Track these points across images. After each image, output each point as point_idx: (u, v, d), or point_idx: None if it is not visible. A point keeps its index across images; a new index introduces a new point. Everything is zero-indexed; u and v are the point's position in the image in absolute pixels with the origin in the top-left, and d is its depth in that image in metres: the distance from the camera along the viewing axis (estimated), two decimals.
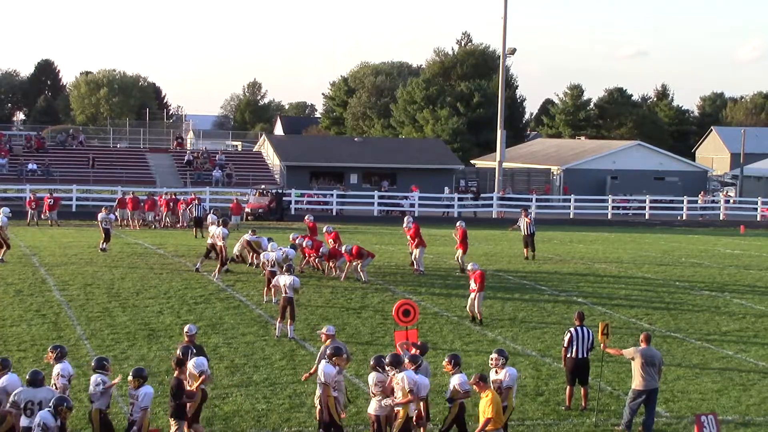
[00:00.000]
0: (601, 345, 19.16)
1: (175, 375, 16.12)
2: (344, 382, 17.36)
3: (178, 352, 17.09)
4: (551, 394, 20.18)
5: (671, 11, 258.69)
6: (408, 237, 36.13)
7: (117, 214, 51.46)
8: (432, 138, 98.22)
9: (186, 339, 18.26)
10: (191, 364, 16.28)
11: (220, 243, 32.46)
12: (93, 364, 16.05)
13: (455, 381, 16.07)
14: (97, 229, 40.75)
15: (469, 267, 27.71)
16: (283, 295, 24.67)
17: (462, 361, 16.70)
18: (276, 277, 25.90)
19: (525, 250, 40.95)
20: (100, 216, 39.65)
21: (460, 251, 35.78)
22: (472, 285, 26.90)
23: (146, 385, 15.32)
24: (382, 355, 16.42)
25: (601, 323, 19.47)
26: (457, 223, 36.94)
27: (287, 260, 29.04)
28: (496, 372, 16.42)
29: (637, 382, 18.04)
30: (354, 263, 32.75)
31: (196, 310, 27.44)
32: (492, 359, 16.49)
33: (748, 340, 26.12)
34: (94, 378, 15.54)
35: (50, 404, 13.86)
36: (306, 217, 38.52)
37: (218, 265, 32.43)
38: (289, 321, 24.51)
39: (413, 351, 17.42)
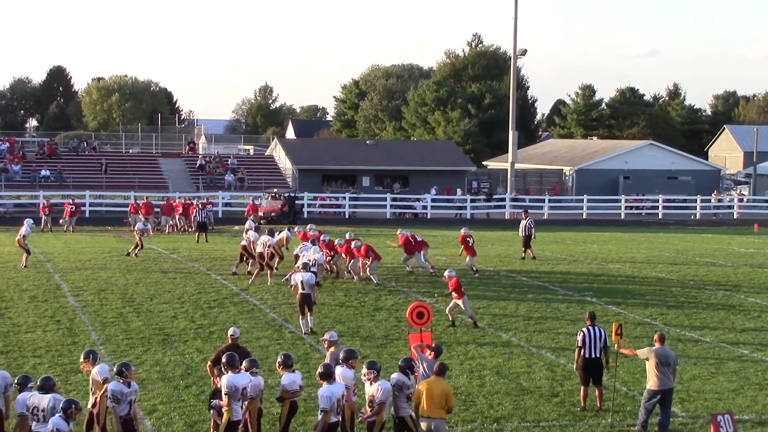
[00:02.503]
0: (615, 345, 19.11)
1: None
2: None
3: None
4: (566, 395, 20.14)
5: (682, 10, 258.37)
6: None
7: (130, 219, 51.68)
8: (444, 140, 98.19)
9: (230, 341, 18.16)
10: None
11: (260, 249, 32.96)
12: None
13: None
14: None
15: (446, 274, 27.65)
16: (301, 291, 25.08)
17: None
18: (291, 275, 26.10)
19: (523, 250, 41.03)
20: (138, 226, 39.49)
21: (468, 257, 36.15)
22: (453, 293, 26.93)
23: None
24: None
25: (614, 323, 19.41)
26: (462, 229, 37.22)
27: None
28: (370, 385, 15.84)
29: (652, 383, 17.99)
30: (362, 262, 32.94)
31: (210, 314, 27.47)
32: (363, 373, 16.01)
33: (763, 339, 26.02)
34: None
35: (60, 409, 13.83)
36: (308, 228, 37.47)
37: (256, 269, 33.23)
38: (309, 315, 25.17)
39: (428, 353, 17.42)
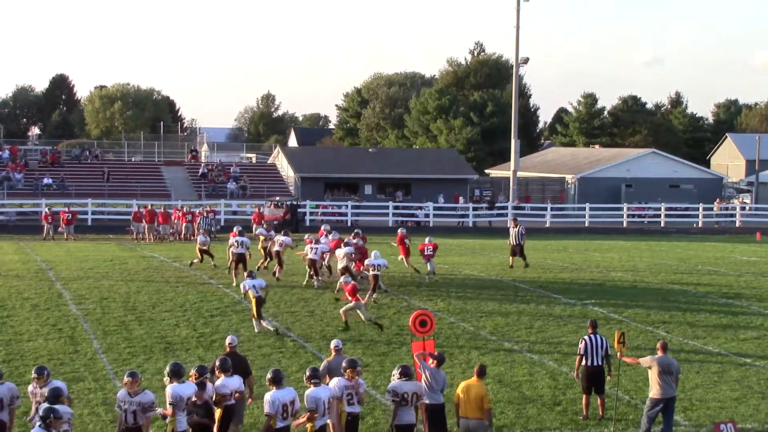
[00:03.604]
0: (618, 354, 19.08)
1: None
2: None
3: (216, 362, 16.67)
4: (569, 403, 20.11)
5: (684, 19, 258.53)
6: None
7: (132, 227, 51.71)
8: (446, 148, 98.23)
9: (228, 349, 18.14)
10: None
11: (277, 248, 35.18)
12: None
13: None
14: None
15: (342, 280, 28.49)
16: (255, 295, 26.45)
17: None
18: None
19: (511, 258, 40.78)
20: (200, 239, 39.09)
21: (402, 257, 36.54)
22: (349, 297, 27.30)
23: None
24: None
25: (617, 332, 19.39)
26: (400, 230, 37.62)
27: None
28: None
29: (654, 391, 17.96)
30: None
31: (212, 322, 27.46)
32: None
33: (766, 348, 25.98)
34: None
35: (39, 418, 13.69)
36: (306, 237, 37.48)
37: (277, 268, 35.14)
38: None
39: (430, 361, 17.40)
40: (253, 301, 26.45)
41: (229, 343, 18.19)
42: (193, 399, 15.40)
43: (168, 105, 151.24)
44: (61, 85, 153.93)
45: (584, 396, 19.38)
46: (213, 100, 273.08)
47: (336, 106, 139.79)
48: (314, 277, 33.93)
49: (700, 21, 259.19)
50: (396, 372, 16.53)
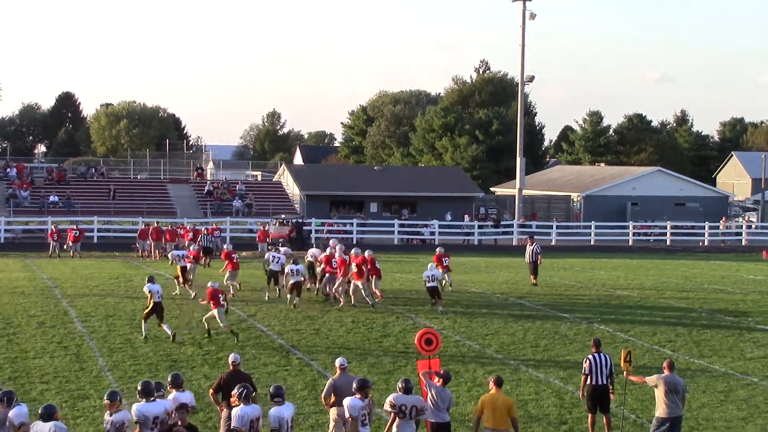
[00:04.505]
0: (624, 372, 19.05)
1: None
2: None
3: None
4: (574, 422, 20.06)
5: (689, 37, 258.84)
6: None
7: (138, 245, 51.76)
8: (451, 166, 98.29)
9: (231, 368, 18.10)
10: (11, 414, 14.97)
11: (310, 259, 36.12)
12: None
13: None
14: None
15: (209, 284, 28.85)
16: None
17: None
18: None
19: (532, 276, 41.09)
20: (269, 255, 38.01)
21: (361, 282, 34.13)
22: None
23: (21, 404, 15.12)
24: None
25: (623, 350, 19.36)
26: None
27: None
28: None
29: (660, 410, 17.92)
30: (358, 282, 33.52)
31: (218, 340, 27.43)
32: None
33: None
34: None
35: None
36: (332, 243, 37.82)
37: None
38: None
39: (436, 380, 17.38)
40: (153, 305, 27.58)
41: (232, 362, 18.18)
42: (178, 423, 15.32)
43: (174, 123, 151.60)
44: (67, 103, 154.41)
45: (590, 415, 19.34)
46: (218, 118, 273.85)
47: (341, 123, 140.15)
48: (270, 287, 35.34)
49: (705, 39, 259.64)
50: (399, 385, 16.51)
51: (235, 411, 15.40)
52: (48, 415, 14.52)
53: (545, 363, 25.75)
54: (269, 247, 44.06)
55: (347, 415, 15.95)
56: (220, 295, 27.92)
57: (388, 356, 25.98)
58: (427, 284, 33.72)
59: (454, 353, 26.37)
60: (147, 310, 27.87)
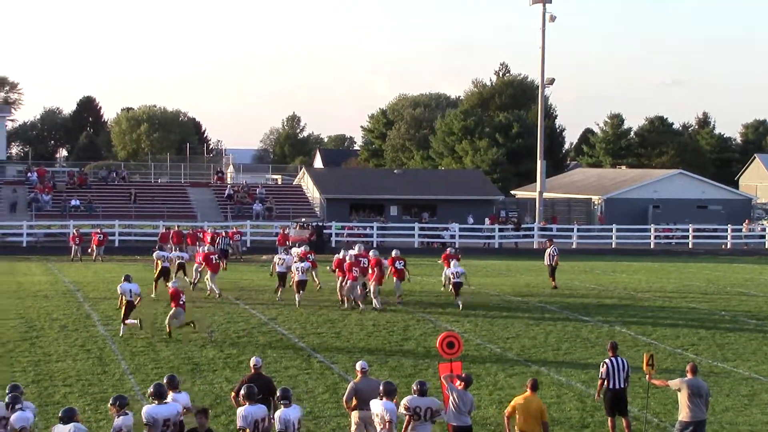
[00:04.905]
0: (647, 376, 18.97)
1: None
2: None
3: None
4: (596, 426, 19.98)
5: (710, 39, 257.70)
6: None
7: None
8: (471, 169, 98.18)
9: (253, 371, 18.10)
10: (13, 418, 15.07)
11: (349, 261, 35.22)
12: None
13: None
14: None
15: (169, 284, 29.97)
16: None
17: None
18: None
19: (552, 280, 41.07)
20: (276, 257, 38.67)
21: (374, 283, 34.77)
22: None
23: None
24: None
25: (645, 354, 19.29)
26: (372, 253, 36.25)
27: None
28: None
29: (684, 414, 17.83)
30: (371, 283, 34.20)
31: (239, 344, 27.47)
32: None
33: None
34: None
35: None
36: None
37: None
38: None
39: (458, 383, 17.35)
40: (126, 304, 28.48)
41: (254, 365, 18.17)
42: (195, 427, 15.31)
43: (194, 127, 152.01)
44: (88, 107, 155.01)
45: (609, 419, 19.29)
46: (238, 122, 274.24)
47: (361, 127, 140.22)
48: (280, 288, 35.97)
49: (726, 41, 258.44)
50: (414, 387, 16.48)
51: (240, 411, 15.46)
52: (68, 417, 14.61)
53: (567, 366, 25.67)
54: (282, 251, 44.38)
55: (387, 418, 15.91)
56: (181, 295, 28.61)
57: (409, 359, 25.95)
58: (453, 279, 35.15)
59: (476, 356, 26.31)
60: (123, 311, 28.60)
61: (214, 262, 37.16)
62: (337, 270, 35.39)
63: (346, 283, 34.23)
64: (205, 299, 35.36)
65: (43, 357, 25.36)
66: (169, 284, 29.97)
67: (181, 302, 28.41)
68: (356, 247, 36.28)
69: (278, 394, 15.77)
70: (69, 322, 30.11)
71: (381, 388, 16.31)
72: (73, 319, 30.60)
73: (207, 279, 36.84)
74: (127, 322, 28.47)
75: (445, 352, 18.90)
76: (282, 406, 15.50)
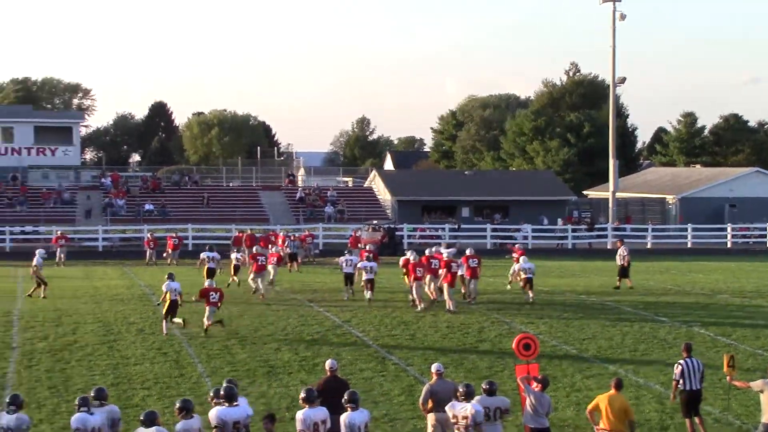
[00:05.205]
0: (728, 377, 18.67)
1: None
2: None
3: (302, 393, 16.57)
4: (677, 428, 19.69)
5: None
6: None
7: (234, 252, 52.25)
8: (543, 169, 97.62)
9: (328, 373, 18.09)
10: (3, 420, 14.88)
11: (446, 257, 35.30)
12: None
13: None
14: (216, 268, 41.05)
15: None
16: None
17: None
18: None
19: (618, 280, 40.66)
20: (342, 259, 38.93)
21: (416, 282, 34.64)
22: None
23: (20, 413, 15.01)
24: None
25: (725, 355, 18.98)
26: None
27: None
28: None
29: (767, 416, 17.51)
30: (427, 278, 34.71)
31: (314, 346, 27.51)
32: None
33: None
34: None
35: None
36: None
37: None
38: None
39: (535, 385, 17.21)
40: (168, 303, 29.21)
41: (329, 368, 18.15)
42: None
43: (264, 130, 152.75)
44: (160, 112, 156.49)
45: (687, 421, 19.04)
46: (308, 125, 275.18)
47: (431, 128, 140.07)
48: (347, 288, 37.03)
49: None
50: (483, 386, 16.56)
51: (299, 414, 15.51)
52: (150, 421, 14.69)
53: (645, 367, 25.33)
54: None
55: (479, 420, 15.85)
56: (211, 293, 29.42)
57: (484, 361, 25.81)
58: (525, 275, 35.97)
59: (552, 358, 26.08)
60: (165, 308, 29.42)
61: (260, 263, 37.94)
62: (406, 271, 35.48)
63: (413, 283, 34.27)
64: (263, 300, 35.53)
65: (121, 360, 25.61)
66: (205, 283, 30.64)
67: (212, 300, 29.27)
68: (440, 248, 37.18)
69: (345, 397, 15.72)
70: (146, 325, 30.40)
71: (461, 389, 16.24)
72: (149, 322, 30.89)
73: (250, 279, 38.18)
74: (175, 320, 29.38)
75: (521, 354, 18.76)
76: (349, 409, 15.49)
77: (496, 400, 16.41)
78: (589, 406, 17.04)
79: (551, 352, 26.86)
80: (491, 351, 27.11)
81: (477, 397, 16.16)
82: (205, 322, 29.25)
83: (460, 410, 15.92)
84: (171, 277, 30.43)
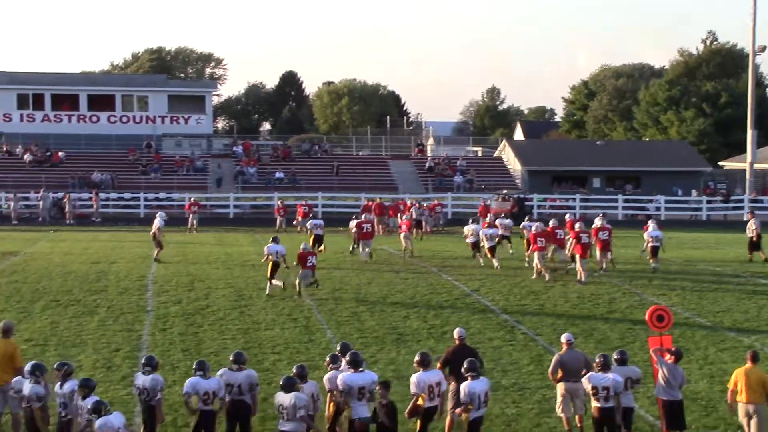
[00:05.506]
0: None
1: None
2: None
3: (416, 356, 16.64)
4: None
5: None
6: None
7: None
8: (677, 140, 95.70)
9: (457, 342, 18.08)
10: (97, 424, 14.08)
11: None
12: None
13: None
14: (345, 236, 41.42)
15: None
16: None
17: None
18: None
19: (750, 253, 39.73)
20: (467, 228, 39.47)
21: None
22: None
23: (93, 395, 14.75)
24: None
25: None
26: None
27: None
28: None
29: None
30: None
31: (442, 314, 27.48)
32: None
33: None
34: None
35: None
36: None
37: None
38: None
39: (668, 357, 16.90)
40: (271, 264, 30.43)
41: (458, 336, 18.14)
42: (379, 400, 15.48)
43: (393, 100, 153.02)
44: (290, 81, 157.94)
45: None
46: (438, 95, 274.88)
47: (562, 98, 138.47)
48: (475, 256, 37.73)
49: None
50: (614, 356, 16.72)
51: (413, 377, 15.90)
52: (289, 386, 15.00)
53: None
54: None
55: (618, 390, 15.94)
56: (308, 258, 30.21)
57: (614, 332, 25.45)
58: (651, 243, 36.10)
59: (684, 330, 25.55)
60: (269, 270, 30.61)
61: (364, 230, 38.65)
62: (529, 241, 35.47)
63: (533, 253, 34.09)
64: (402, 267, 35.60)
65: (252, 325, 25.95)
66: (301, 247, 31.08)
67: (309, 264, 30.03)
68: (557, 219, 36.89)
69: (464, 365, 15.81)
70: (276, 291, 30.72)
71: (598, 360, 16.28)
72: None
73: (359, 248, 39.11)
74: (273, 282, 30.26)
75: (654, 326, 18.41)
76: (469, 378, 15.50)
77: (627, 370, 16.45)
78: (731, 385, 16.68)
79: (684, 324, 26.32)
80: (622, 322, 26.70)
81: (593, 373, 16.22)
82: (297, 283, 30.18)
83: (600, 381, 15.84)
84: (275, 240, 31.60)
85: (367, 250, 38.52)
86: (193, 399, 15.63)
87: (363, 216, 42.45)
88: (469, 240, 38.10)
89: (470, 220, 40.75)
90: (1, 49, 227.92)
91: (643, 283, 32.97)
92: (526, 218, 42.35)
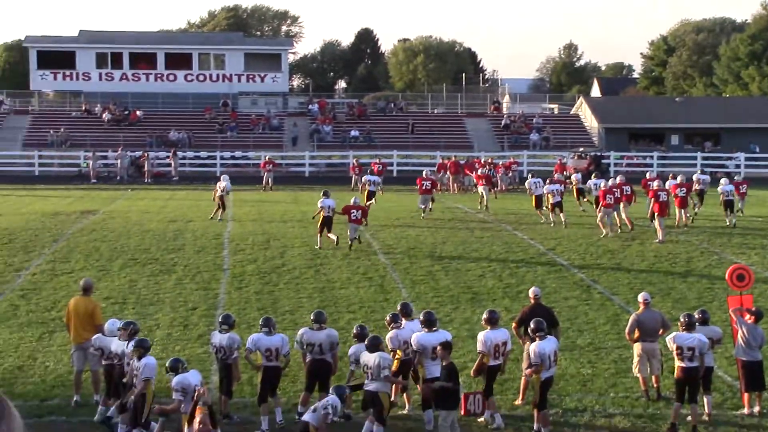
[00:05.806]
0: None
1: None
2: None
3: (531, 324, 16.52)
4: None
5: None
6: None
7: (438, 177, 52.42)
8: (759, 96, 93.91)
9: (532, 301, 18.01)
10: (174, 381, 14.42)
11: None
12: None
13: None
14: (415, 195, 41.30)
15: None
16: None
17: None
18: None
19: None
20: (530, 182, 39.42)
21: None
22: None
23: (148, 356, 14.84)
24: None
25: None
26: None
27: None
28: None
29: None
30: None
31: (518, 273, 27.37)
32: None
33: None
34: None
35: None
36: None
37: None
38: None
39: (748, 317, 16.68)
40: (322, 218, 31.06)
41: (534, 295, 18.07)
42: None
43: (469, 57, 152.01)
44: (366, 39, 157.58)
45: None
46: (514, 51, 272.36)
47: (641, 54, 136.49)
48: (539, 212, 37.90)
49: None
50: (696, 315, 16.55)
51: (480, 336, 16.21)
52: (374, 346, 15.19)
53: None
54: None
55: (704, 351, 15.79)
56: (353, 211, 31.00)
57: (692, 292, 25.17)
58: (724, 198, 36.55)
59: (765, 290, 25.16)
60: (320, 223, 31.23)
61: (424, 188, 39.44)
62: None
63: (600, 210, 33.88)
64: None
65: (327, 284, 26.08)
66: (351, 200, 31.86)
67: (353, 218, 30.65)
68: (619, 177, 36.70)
69: (531, 326, 15.87)
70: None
71: (682, 320, 16.08)
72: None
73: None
74: (329, 236, 30.81)
75: (735, 285, 18.14)
76: (537, 338, 15.45)
77: (708, 329, 16.29)
78: None
79: (764, 284, 25.92)
80: (700, 281, 26.38)
81: (674, 334, 16.11)
82: (353, 235, 30.88)
83: (686, 341, 15.66)
84: (326, 194, 32.10)
85: (429, 206, 39.37)
86: (257, 355, 15.77)
87: (424, 173, 42.14)
88: (535, 193, 37.87)
89: (529, 175, 40.52)
90: (81, 8, 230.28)
91: (722, 242, 32.54)
92: (593, 176, 41.93)
